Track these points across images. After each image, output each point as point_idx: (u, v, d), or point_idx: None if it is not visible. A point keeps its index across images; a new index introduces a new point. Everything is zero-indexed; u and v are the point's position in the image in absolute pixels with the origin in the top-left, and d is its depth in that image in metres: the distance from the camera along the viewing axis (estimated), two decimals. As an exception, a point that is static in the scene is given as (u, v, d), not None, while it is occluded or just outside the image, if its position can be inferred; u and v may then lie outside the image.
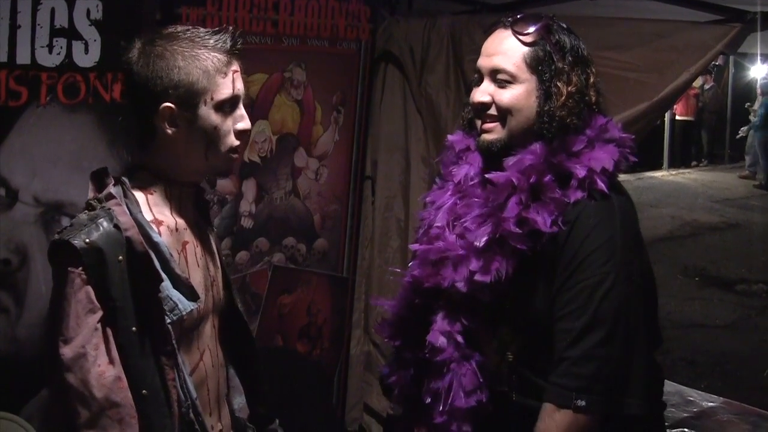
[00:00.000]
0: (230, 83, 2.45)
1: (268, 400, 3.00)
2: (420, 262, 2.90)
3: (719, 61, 19.40)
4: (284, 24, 4.56)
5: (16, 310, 3.79)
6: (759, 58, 15.10)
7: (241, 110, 2.51)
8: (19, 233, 3.73)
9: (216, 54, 2.42)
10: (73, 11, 3.67)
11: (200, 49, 2.41)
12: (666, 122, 19.32)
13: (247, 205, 4.69)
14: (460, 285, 2.74)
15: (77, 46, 3.71)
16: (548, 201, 2.67)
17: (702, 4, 4.55)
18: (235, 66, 2.48)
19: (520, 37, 2.74)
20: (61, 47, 3.66)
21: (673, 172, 19.85)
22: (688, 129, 20.88)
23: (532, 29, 2.74)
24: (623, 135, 2.80)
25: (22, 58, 3.55)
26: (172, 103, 2.39)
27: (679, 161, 20.73)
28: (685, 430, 3.17)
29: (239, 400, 2.91)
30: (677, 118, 20.22)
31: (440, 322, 2.85)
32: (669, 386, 3.51)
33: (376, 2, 5.10)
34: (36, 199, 3.75)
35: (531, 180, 2.67)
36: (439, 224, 2.88)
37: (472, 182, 2.87)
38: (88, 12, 3.73)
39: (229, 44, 2.45)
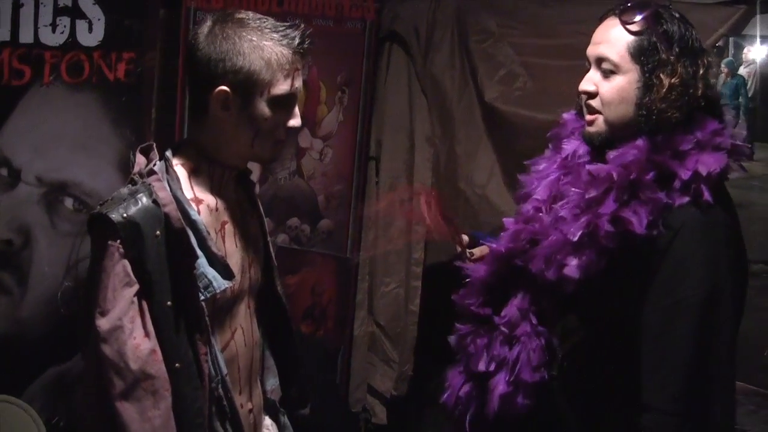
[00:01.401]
0: (290, 81, 2.48)
1: (302, 383, 3.05)
2: (512, 238, 2.88)
3: (719, 43, 19.38)
4: (289, 3, 4.53)
5: (19, 291, 3.79)
6: (758, 39, 15.08)
7: (295, 108, 2.55)
8: (22, 213, 3.72)
9: (282, 49, 2.45)
10: (77, -10, 3.65)
11: (267, 41, 2.44)
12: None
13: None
14: (549, 274, 2.71)
15: (81, 25, 3.69)
16: (647, 200, 2.59)
17: (708, -14, 4.52)
18: (299, 64, 2.51)
19: (627, 26, 2.67)
20: (65, 26, 3.64)
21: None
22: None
23: (638, 18, 2.66)
24: (738, 143, 2.68)
25: (26, 36, 3.53)
26: (228, 87, 2.42)
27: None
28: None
29: (272, 382, 2.96)
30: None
31: (520, 298, 2.84)
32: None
33: (382, -19, 5.07)
34: (39, 179, 3.73)
35: (631, 176, 2.60)
36: (538, 198, 2.87)
37: (580, 160, 2.83)
38: (92, -9, 3.70)
39: (296, 42, 2.47)
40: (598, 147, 2.75)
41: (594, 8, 4.71)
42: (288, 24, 2.50)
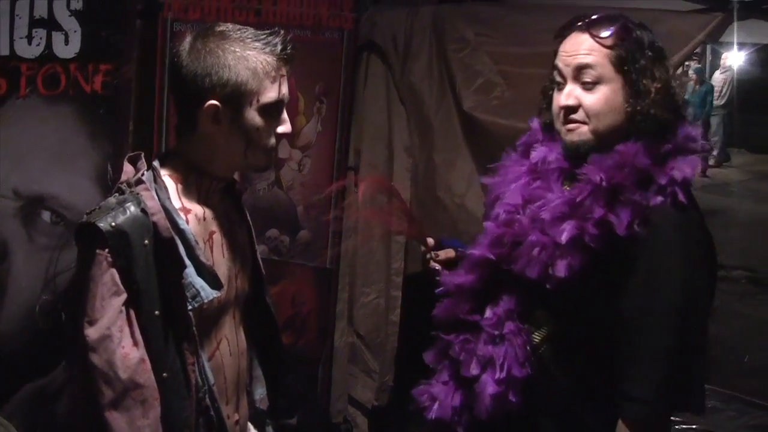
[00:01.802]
0: (277, 87, 2.49)
1: (290, 393, 3.05)
2: (495, 242, 2.89)
3: (697, 50, 19.47)
4: (267, 13, 4.53)
5: (-3, 305, 3.76)
6: (735, 46, 15.16)
7: (284, 114, 2.56)
8: (-2, 227, 3.70)
9: (266, 57, 2.46)
10: (53, 2, 3.63)
11: (251, 51, 2.45)
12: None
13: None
14: (533, 273, 2.74)
15: (57, 37, 3.67)
16: (627, 203, 2.66)
17: (685, -6, 4.55)
18: (283, 71, 2.52)
19: (600, 40, 2.73)
20: (41, 38, 3.61)
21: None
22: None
23: (609, 32, 2.72)
24: (704, 143, 2.81)
25: (1, 49, 3.51)
26: (218, 100, 2.43)
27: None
28: (671, 417, 3.16)
29: (261, 391, 2.97)
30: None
31: (505, 300, 2.86)
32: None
33: (359, -9, 5.07)
34: (16, 193, 3.70)
35: (613, 180, 2.66)
36: (510, 202, 2.90)
37: (550, 166, 2.88)
38: (69, 2, 3.68)
39: (279, 48, 2.48)
40: (583, 155, 2.77)
41: (569, 17, 4.75)
42: (268, 32, 2.50)
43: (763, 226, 13.55)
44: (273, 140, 2.56)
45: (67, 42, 3.70)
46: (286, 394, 3.03)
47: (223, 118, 2.45)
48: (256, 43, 2.46)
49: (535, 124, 3.08)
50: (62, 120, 3.78)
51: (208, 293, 2.50)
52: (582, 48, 2.74)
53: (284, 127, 2.57)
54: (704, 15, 4.39)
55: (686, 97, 18.52)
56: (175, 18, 4.16)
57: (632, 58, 2.71)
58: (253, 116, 2.47)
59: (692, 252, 2.71)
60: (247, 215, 2.89)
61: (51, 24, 3.64)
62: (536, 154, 2.95)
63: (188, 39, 2.48)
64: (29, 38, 3.58)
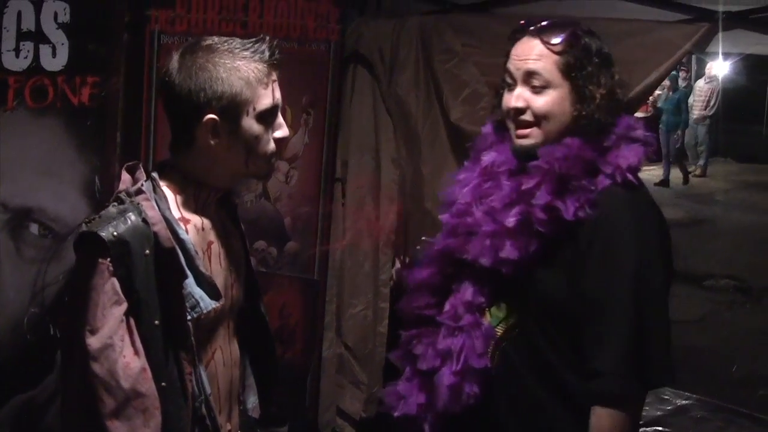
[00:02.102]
0: (270, 93, 2.52)
1: (281, 402, 3.09)
2: (448, 233, 3.02)
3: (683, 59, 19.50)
4: (253, 25, 4.53)
5: (-16, 318, 3.75)
6: (721, 56, 15.21)
7: (279, 118, 2.59)
8: (-14, 240, 3.69)
9: (256, 65, 2.49)
10: (41, 14, 3.63)
11: (240, 61, 2.47)
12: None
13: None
14: (486, 259, 2.86)
15: (45, 50, 3.67)
16: (575, 189, 2.79)
17: (670, 4, 4.56)
18: (274, 76, 2.55)
19: (550, 47, 2.86)
20: (29, 51, 3.61)
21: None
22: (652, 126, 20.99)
23: (561, 38, 2.86)
24: (647, 134, 2.93)
25: (-11, 62, 3.52)
26: (215, 114, 2.45)
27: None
28: (659, 428, 3.20)
29: (253, 400, 2.98)
30: (639, 115, 20.32)
31: (462, 291, 2.96)
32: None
33: (345, 3, 5.08)
34: (3, 205, 3.70)
35: (560, 170, 2.79)
36: (465, 200, 3.01)
37: (500, 168, 2.99)
38: (56, 15, 3.68)
39: (267, 55, 2.51)
40: (534, 158, 2.87)
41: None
42: (254, 39, 2.53)
43: (750, 235, 13.60)
44: (272, 146, 2.57)
45: (54, 54, 3.70)
46: (278, 402, 3.04)
47: (222, 130, 2.47)
48: (245, 53, 2.49)
49: (487, 128, 3.20)
50: (50, 132, 3.78)
51: (207, 303, 2.52)
52: (533, 53, 2.88)
53: (282, 132, 2.59)
54: (690, 25, 4.42)
55: (659, 104, 18.65)
56: (162, 30, 4.16)
57: (580, 65, 2.85)
58: (251, 124, 2.49)
59: (644, 228, 2.82)
60: (242, 226, 2.90)
61: (38, 37, 3.64)
62: (487, 158, 3.06)
63: (176, 57, 2.50)
64: (17, 51, 3.58)
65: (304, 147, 4.99)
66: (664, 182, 18.31)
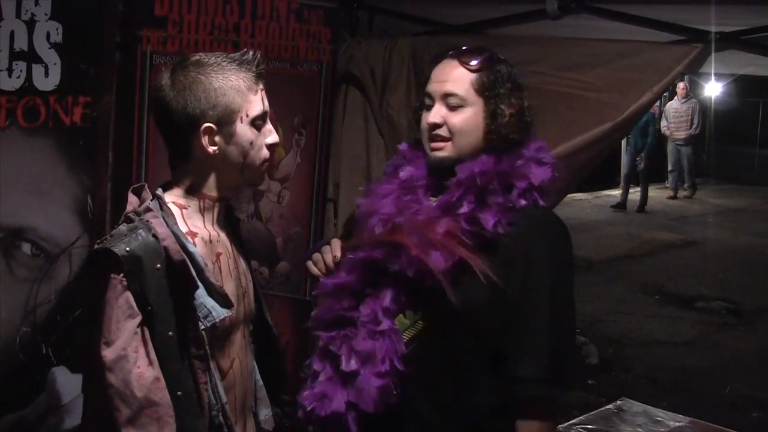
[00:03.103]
0: (260, 99, 2.63)
1: (293, 413, 3.08)
2: (372, 245, 3.07)
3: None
4: (245, 45, 4.53)
5: (-23, 336, 3.74)
6: (713, 77, 15.27)
7: (269, 125, 2.68)
8: (-22, 260, 3.69)
9: (245, 74, 2.60)
10: (33, 34, 3.65)
11: (230, 71, 2.58)
12: (623, 141, 19.33)
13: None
14: (410, 271, 2.95)
15: (37, 70, 3.69)
16: (492, 204, 2.96)
17: (663, 25, 4.58)
18: (261, 84, 2.65)
19: (468, 67, 3.06)
20: (21, 70, 3.63)
21: (630, 191, 19.96)
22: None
23: (477, 60, 3.07)
24: (553, 159, 3.11)
25: (-19, 81, 3.52)
26: (212, 123, 2.54)
27: (635, 180, 20.82)
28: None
29: (265, 412, 3.01)
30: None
31: (382, 297, 3.03)
32: (636, 406, 3.52)
33: (337, 24, 5.09)
34: (-5, 225, 3.70)
35: (479, 184, 2.95)
36: (387, 211, 3.10)
37: (418, 182, 3.12)
38: (48, 35, 3.71)
39: (254, 64, 2.63)
40: (446, 169, 3.03)
41: (550, 49, 4.78)
42: (240, 53, 2.64)
43: (740, 256, 13.63)
44: (265, 152, 2.67)
45: (47, 74, 3.72)
46: (290, 414, 3.08)
47: (218, 138, 2.56)
48: (232, 64, 2.59)
49: (404, 146, 3.32)
50: (42, 152, 3.79)
51: (219, 312, 2.59)
52: (452, 74, 3.07)
53: (273, 137, 2.68)
54: (683, 46, 4.44)
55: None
56: (153, 51, 4.17)
57: (492, 85, 3.05)
58: (245, 130, 2.59)
59: (557, 244, 3.05)
60: (242, 237, 2.96)
61: (31, 56, 3.66)
62: (404, 173, 3.17)
63: (166, 75, 2.59)
64: (9, 71, 3.59)
65: (296, 167, 5.00)
66: (622, 205, 18.15)
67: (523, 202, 2.99)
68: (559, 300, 3.00)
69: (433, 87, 3.11)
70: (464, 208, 2.95)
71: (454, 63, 3.10)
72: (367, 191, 3.32)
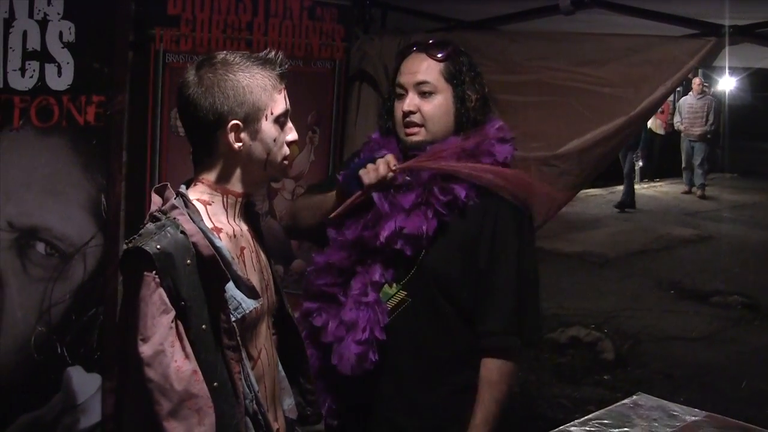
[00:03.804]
0: (284, 98, 2.71)
1: (316, 401, 3.19)
2: (360, 226, 3.39)
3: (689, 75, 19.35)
4: (258, 44, 4.55)
5: (-8, 337, 3.75)
6: (727, 71, 15.18)
7: (290, 123, 2.75)
8: (-7, 259, 3.69)
9: (270, 73, 2.67)
10: (46, 34, 3.66)
11: (256, 69, 2.65)
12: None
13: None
14: (384, 236, 3.28)
15: (50, 69, 3.69)
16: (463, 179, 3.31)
17: (676, 19, 4.55)
18: (284, 84, 2.72)
19: (435, 57, 3.43)
20: (34, 70, 3.63)
21: (645, 186, 19.91)
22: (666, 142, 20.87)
23: (443, 52, 3.44)
24: (513, 136, 3.50)
25: (-5, 81, 3.53)
26: (238, 120, 2.61)
27: (650, 174, 20.76)
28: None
29: (288, 402, 3.07)
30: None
31: (371, 272, 3.36)
32: (651, 401, 3.51)
33: (350, 21, 5.10)
34: (10, 224, 3.71)
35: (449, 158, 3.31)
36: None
37: (393, 167, 3.37)
38: (61, 35, 3.71)
39: (278, 65, 2.69)
40: (420, 152, 3.37)
41: (563, 44, 4.77)
42: (264, 52, 2.71)
43: (756, 251, 13.59)
44: (286, 149, 2.75)
45: (60, 74, 3.72)
46: (312, 402, 3.15)
47: (244, 135, 2.63)
48: (257, 63, 2.66)
49: (375, 135, 3.68)
50: (56, 152, 3.79)
51: (248, 304, 2.66)
52: (422, 66, 3.43)
53: (292, 135, 2.76)
54: (697, 40, 4.42)
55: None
56: (166, 49, 4.18)
57: (458, 73, 3.43)
58: (270, 128, 2.66)
59: (520, 215, 3.42)
60: (262, 232, 3.01)
61: (44, 56, 3.66)
62: (380, 153, 3.44)
63: (192, 71, 2.65)
64: (22, 70, 3.59)
65: (309, 165, 5.01)
66: (625, 203, 17.30)
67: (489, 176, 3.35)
68: (523, 263, 3.41)
69: (405, 78, 3.45)
70: (435, 181, 3.30)
71: (422, 56, 3.45)
72: (346, 164, 3.70)
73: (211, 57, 2.67)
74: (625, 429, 3.15)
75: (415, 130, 3.42)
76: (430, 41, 3.54)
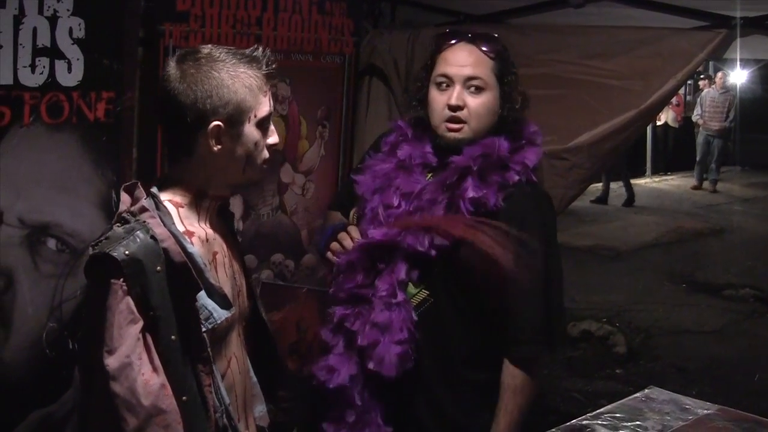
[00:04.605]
0: (268, 101, 2.57)
1: (289, 408, 3.09)
2: (376, 222, 3.35)
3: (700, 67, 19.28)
4: (268, 39, 4.55)
5: (2, 334, 3.76)
6: (738, 63, 15.15)
7: (272, 126, 2.63)
8: (4, 255, 3.70)
9: (256, 72, 2.52)
10: (56, 30, 3.66)
11: (242, 68, 2.50)
12: (648, 128, 19.13)
13: (234, 222, 4.66)
14: (420, 247, 3.22)
15: (60, 66, 3.70)
16: (492, 183, 3.23)
17: (686, 11, 4.55)
18: (270, 84, 2.58)
19: (486, 53, 3.28)
20: (44, 66, 3.64)
21: (656, 179, 19.89)
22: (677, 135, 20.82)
23: (495, 48, 3.30)
24: (541, 141, 3.39)
25: (5, 78, 3.53)
26: (221, 121, 2.46)
27: (661, 167, 20.73)
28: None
29: (260, 408, 2.96)
30: (659, 123, 20.12)
31: (397, 271, 3.28)
32: (664, 395, 3.49)
33: (359, 15, 5.09)
34: (21, 221, 3.71)
35: (481, 166, 3.22)
36: (389, 198, 3.35)
37: (415, 161, 3.36)
38: (71, 31, 3.71)
39: (265, 64, 2.55)
40: (455, 149, 3.27)
41: (573, 37, 4.76)
42: (251, 49, 2.57)
43: (768, 244, 13.54)
44: (266, 152, 2.62)
45: (69, 70, 3.73)
46: (285, 409, 3.06)
47: (225, 137, 2.49)
48: (244, 61, 2.52)
49: (401, 123, 3.53)
50: (66, 148, 3.80)
51: (220, 314, 2.53)
52: (471, 59, 3.27)
53: (274, 138, 2.64)
54: (707, 32, 4.41)
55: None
56: (176, 45, 4.17)
57: (507, 71, 3.31)
58: (252, 131, 2.53)
59: (546, 218, 3.36)
60: (237, 235, 2.93)
61: (54, 52, 3.66)
62: (402, 152, 3.40)
63: (173, 65, 2.51)
64: (32, 67, 3.60)
65: (320, 160, 5.00)
66: (602, 200, 16.91)
67: (516, 178, 3.26)
68: (550, 266, 3.32)
69: (453, 70, 3.27)
70: (468, 190, 3.20)
71: (472, 48, 3.28)
72: (364, 167, 3.53)
73: (196, 50, 2.54)
74: (638, 422, 3.13)
75: (458, 126, 3.28)
76: (477, 33, 3.37)
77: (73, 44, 3.73)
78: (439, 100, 3.30)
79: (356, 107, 5.18)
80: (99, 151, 3.91)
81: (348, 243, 3.36)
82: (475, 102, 3.25)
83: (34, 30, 3.59)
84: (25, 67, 3.58)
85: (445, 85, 3.29)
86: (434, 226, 3.23)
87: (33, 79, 3.61)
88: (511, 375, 3.30)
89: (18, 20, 3.53)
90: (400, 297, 3.25)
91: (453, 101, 3.24)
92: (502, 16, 5.24)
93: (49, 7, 3.63)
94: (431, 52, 3.41)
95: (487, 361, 3.36)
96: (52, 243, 3.82)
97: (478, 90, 3.25)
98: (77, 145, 3.84)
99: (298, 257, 5.02)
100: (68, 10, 3.70)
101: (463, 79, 3.25)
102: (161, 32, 4.16)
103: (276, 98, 4.63)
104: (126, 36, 3.99)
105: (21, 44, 3.55)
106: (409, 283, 3.30)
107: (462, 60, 3.27)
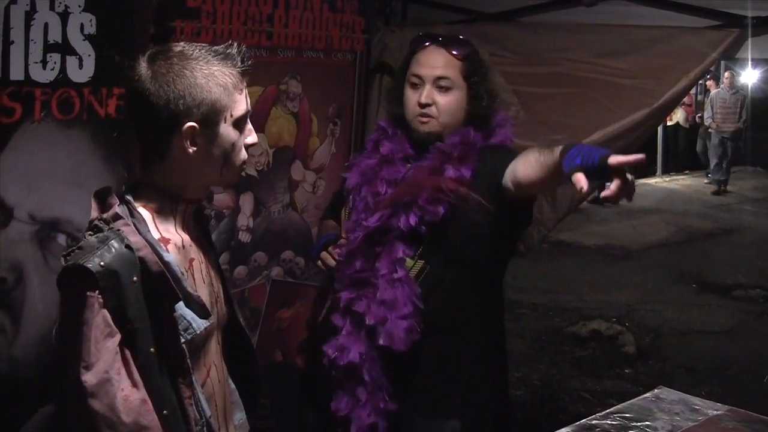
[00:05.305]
0: (244, 99, 2.49)
1: (268, 416, 2.99)
2: (368, 211, 3.65)
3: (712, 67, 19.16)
4: (279, 36, 4.55)
5: (12, 330, 3.75)
6: (750, 63, 15.12)
7: (249, 125, 2.55)
8: (14, 251, 3.69)
9: (230, 70, 2.44)
10: (67, 26, 3.65)
11: (216, 67, 2.42)
12: (659, 128, 19.08)
13: (245, 219, 4.67)
14: (413, 222, 3.50)
15: (71, 62, 3.69)
16: (469, 163, 3.53)
17: (698, 10, 4.54)
18: (245, 82, 2.51)
19: (455, 56, 3.63)
20: (55, 63, 3.63)
21: (667, 179, 19.86)
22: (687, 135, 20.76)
23: (463, 51, 3.65)
24: (513, 122, 3.78)
25: (16, 74, 3.52)
26: (195, 122, 2.39)
27: (672, 167, 20.69)
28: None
29: (239, 416, 2.89)
30: (670, 123, 20.08)
31: (394, 251, 3.57)
32: (673, 395, 3.49)
33: (371, 13, 5.09)
34: (31, 217, 3.71)
35: (460, 151, 3.54)
36: (375, 188, 3.69)
37: (397, 156, 3.71)
38: (82, 27, 3.70)
39: (239, 62, 2.47)
40: (430, 141, 3.62)
41: (584, 36, 4.75)
42: (223, 46, 2.49)
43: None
44: (245, 153, 2.55)
45: (81, 66, 3.72)
46: (265, 416, 3.05)
47: (200, 138, 2.42)
48: (218, 58, 2.45)
49: (383, 122, 3.89)
50: (77, 144, 3.79)
51: (199, 324, 2.47)
52: (442, 61, 3.62)
53: (252, 137, 2.56)
54: (719, 31, 4.41)
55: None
56: (187, 42, 4.16)
57: (475, 71, 3.65)
58: (229, 131, 2.46)
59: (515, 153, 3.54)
60: (212, 237, 2.87)
61: (65, 48, 3.65)
62: (384, 148, 3.75)
63: (144, 64, 2.44)
64: (44, 63, 3.59)
65: (330, 157, 5.00)
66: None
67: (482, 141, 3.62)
68: None
69: (424, 71, 3.63)
70: (450, 172, 3.49)
71: (442, 51, 3.65)
72: (351, 165, 3.92)
73: (167, 48, 2.46)
74: (647, 422, 3.13)
75: (428, 120, 3.62)
76: (448, 37, 3.74)
77: (84, 40, 3.72)
78: (411, 97, 3.66)
79: (367, 105, 5.17)
80: (110, 147, 3.90)
81: (330, 262, 3.73)
82: (443, 99, 3.61)
83: (46, 26, 3.58)
84: (36, 63, 3.57)
85: (416, 84, 3.65)
86: (410, 188, 3.53)
87: (44, 75, 3.60)
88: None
89: (29, 16, 3.52)
90: (401, 272, 3.54)
91: (423, 99, 3.61)
92: (513, 14, 5.24)
93: (60, 3, 3.62)
94: (407, 53, 3.79)
95: (489, 317, 3.77)
96: (62, 239, 3.81)
97: (446, 89, 3.61)
98: (88, 141, 3.83)
99: (308, 254, 5.01)
100: (79, 6, 3.69)
101: (432, 79, 3.61)
102: (172, 29, 4.15)
103: (287, 95, 4.65)
104: (137, 32, 3.98)
105: (32, 40, 3.55)
106: (406, 258, 3.57)
107: (432, 62, 3.63)
